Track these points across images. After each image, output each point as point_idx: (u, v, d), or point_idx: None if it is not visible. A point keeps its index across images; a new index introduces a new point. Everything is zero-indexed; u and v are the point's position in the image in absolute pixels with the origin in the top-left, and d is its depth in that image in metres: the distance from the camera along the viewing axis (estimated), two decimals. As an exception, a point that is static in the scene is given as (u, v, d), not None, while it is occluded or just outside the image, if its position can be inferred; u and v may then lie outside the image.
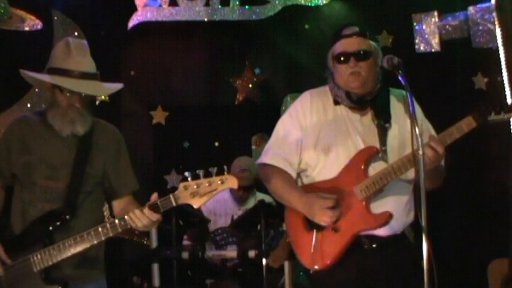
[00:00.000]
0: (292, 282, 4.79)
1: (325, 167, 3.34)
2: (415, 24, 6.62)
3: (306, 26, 6.74)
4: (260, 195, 5.49)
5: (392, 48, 6.50)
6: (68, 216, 3.20)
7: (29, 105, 6.19)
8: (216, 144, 6.65)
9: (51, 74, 3.27)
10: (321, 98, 3.42)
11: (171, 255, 4.77)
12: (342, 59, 3.32)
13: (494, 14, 6.37)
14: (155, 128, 6.61)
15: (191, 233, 5.46)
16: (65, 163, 3.28)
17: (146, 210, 3.04)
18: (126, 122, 6.44)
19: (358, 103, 3.35)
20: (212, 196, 3.02)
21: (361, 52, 3.31)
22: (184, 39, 6.66)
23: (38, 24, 6.22)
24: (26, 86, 4.48)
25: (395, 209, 3.27)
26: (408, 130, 3.14)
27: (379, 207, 3.26)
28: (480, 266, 5.19)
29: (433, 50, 6.58)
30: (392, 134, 3.35)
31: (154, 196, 3.07)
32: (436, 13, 6.59)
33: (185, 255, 4.93)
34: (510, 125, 6.02)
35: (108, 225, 3.10)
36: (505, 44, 6.26)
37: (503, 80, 6.26)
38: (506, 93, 6.22)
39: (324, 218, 3.21)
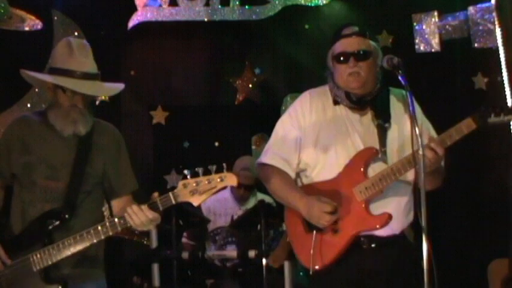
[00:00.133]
0: (292, 282, 4.79)
1: (324, 167, 3.34)
2: (415, 24, 6.61)
3: (306, 26, 6.73)
4: (260, 195, 5.49)
5: (392, 48, 6.49)
6: (67, 216, 3.19)
7: (29, 105, 6.19)
8: (216, 144, 6.65)
9: (53, 74, 3.25)
10: (320, 98, 3.42)
11: (171, 255, 4.77)
12: (341, 58, 3.32)
13: (494, 14, 6.36)
14: (155, 128, 6.61)
15: (191, 232, 5.47)
16: (64, 163, 3.27)
17: (144, 206, 3.04)
18: (126, 122, 6.43)
19: (357, 103, 3.35)
20: (212, 194, 3.02)
21: (361, 52, 3.30)
22: (184, 39, 6.65)
23: (38, 24, 6.22)
24: (26, 86, 4.49)
25: (395, 210, 3.27)
26: (408, 130, 3.14)
27: (378, 208, 3.26)
28: (480, 266, 5.18)
29: (433, 50, 6.57)
30: (392, 134, 3.34)
31: (154, 195, 3.07)
32: (436, 13, 6.58)
33: (185, 255, 4.93)
34: (510, 126, 6.02)
35: (107, 224, 3.11)
36: (505, 44, 6.26)
37: (503, 80, 6.26)
38: (506, 93, 6.22)
39: (321, 221, 3.21)
